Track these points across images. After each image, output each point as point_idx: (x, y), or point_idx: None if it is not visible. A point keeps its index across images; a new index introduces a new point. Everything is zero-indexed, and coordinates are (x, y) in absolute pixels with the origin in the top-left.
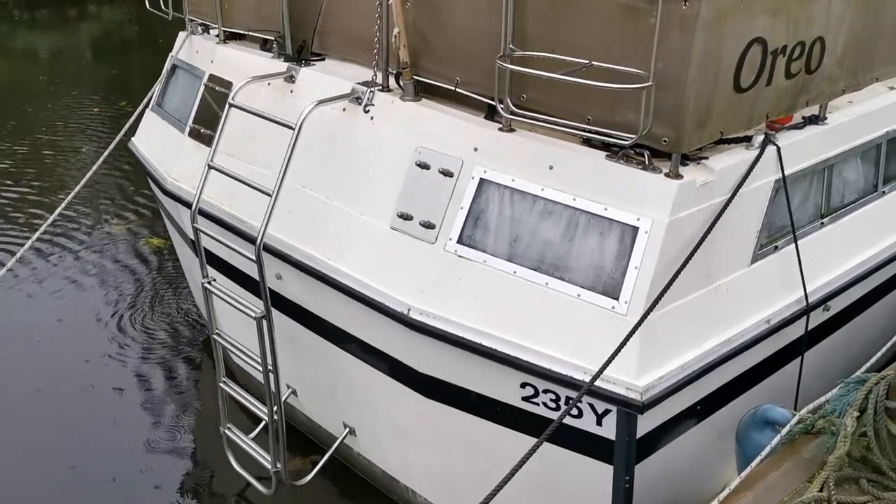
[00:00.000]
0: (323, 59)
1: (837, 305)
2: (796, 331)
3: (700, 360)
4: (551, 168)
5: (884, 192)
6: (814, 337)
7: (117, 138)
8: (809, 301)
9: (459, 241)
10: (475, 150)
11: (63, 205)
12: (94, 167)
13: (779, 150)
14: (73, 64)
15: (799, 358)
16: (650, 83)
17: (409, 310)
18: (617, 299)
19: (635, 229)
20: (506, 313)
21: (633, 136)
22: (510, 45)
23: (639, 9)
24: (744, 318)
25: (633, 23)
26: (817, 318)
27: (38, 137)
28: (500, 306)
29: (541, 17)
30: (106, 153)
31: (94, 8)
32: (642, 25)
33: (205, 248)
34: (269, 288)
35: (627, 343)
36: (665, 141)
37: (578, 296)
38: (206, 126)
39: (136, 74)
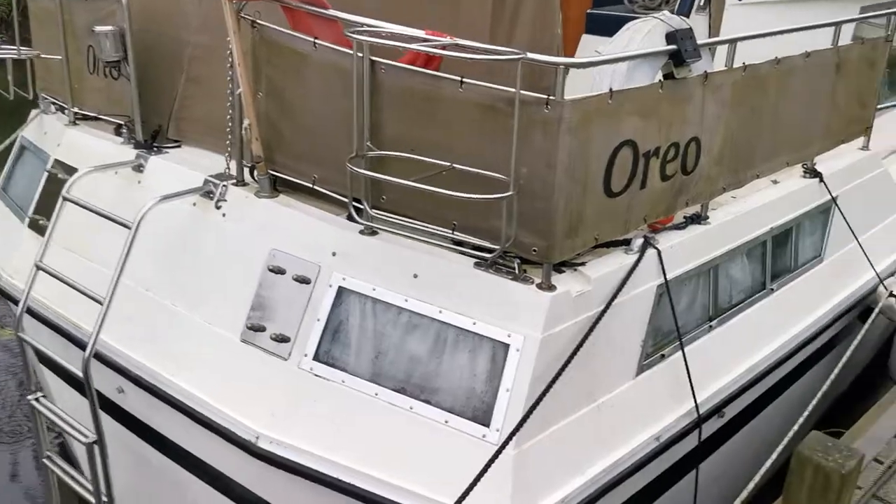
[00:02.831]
0: (179, 146)
1: (732, 411)
2: (689, 443)
3: (584, 489)
4: (416, 276)
5: (772, 289)
6: (708, 446)
7: None
8: (701, 411)
9: (316, 358)
10: (334, 254)
11: None
12: None
13: (659, 253)
14: None
15: (694, 471)
16: (511, 193)
17: (257, 438)
18: (488, 426)
19: (506, 346)
20: (366, 442)
21: (498, 246)
22: (367, 143)
23: (498, 110)
24: (631, 436)
25: (495, 124)
26: (711, 426)
27: None
28: (360, 433)
29: (399, 114)
30: None
31: None
32: (504, 128)
33: (38, 351)
34: (112, 401)
35: (499, 475)
36: (535, 250)
37: (446, 422)
38: (47, 217)
39: None
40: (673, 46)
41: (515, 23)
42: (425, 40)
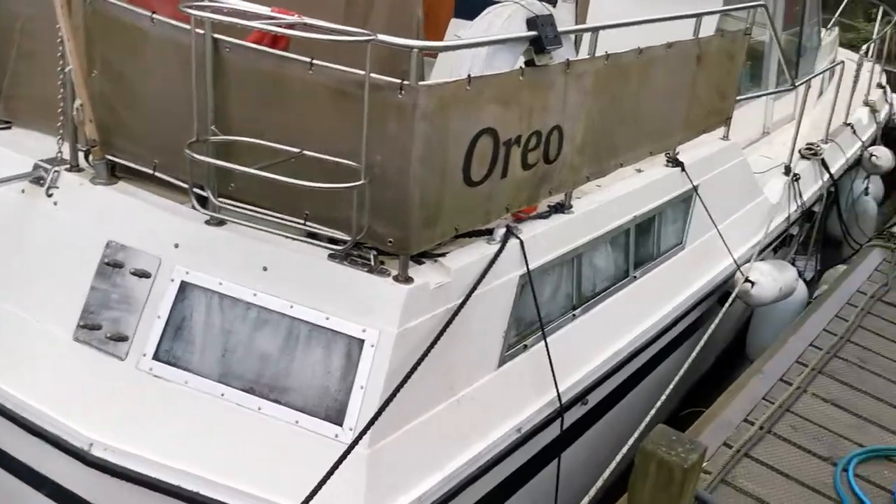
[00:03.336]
0: (9, 128)
1: (595, 398)
2: (552, 433)
3: (443, 484)
4: (265, 269)
5: (635, 276)
6: (571, 435)
7: None
8: (563, 400)
9: (156, 358)
10: (176, 246)
11: None
12: None
13: (522, 243)
14: None
15: (556, 460)
16: (362, 181)
17: (90, 445)
18: (341, 425)
19: (361, 342)
20: (211, 446)
21: (350, 237)
22: (212, 128)
23: (350, 94)
24: (492, 428)
25: (347, 110)
26: (574, 414)
27: None
28: (205, 437)
29: (246, 97)
30: None
31: None
32: (357, 113)
33: None
34: None
35: (352, 475)
36: (391, 242)
37: (297, 422)
38: None
39: None
40: (533, 33)
41: (372, 3)
42: (270, 18)
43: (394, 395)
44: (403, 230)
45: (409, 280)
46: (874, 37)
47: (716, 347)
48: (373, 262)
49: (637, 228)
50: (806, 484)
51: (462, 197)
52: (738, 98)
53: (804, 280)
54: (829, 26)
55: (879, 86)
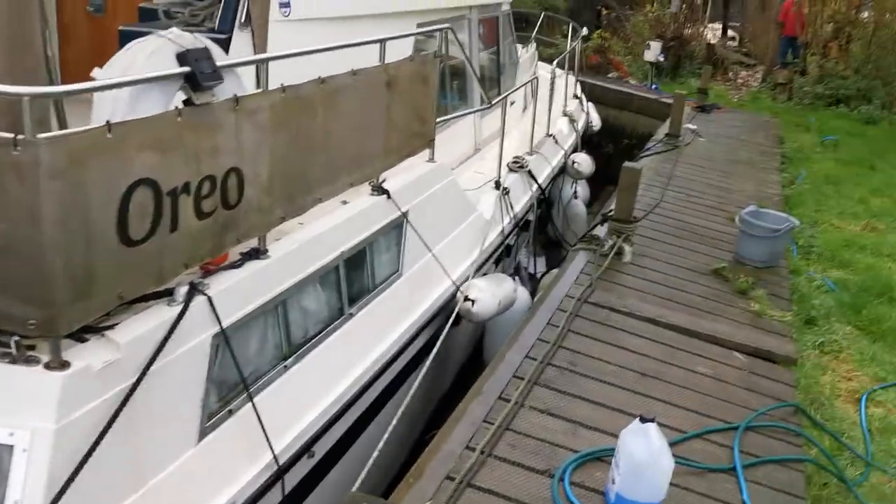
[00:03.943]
0: None
1: (322, 448)
2: (273, 498)
3: None
4: None
5: (351, 313)
6: (300, 493)
7: None
8: (282, 461)
9: None
10: None
11: None
12: None
13: (210, 299)
14: None
15: None
16: None
17: None
18: None
19: (10, 448)
20: None
21: None
22: None
23: None
24: None
25: None
26: (300, 471)
27: None
28: None
29: None
30: None
31: None
32: None
33: None
34: None
35: None
36: (32, 324)
37: None
38: None
39: None
40: (186, 69)
41: None
42: None
43: (56, 500)
44: (47, 308)
45: (64, 365)
46: (566, 51)
47: (454, 366)
48: (15, 351)
49: (347, 263)
50: (526, 503)
51: (122, 259)
52: (440, 119)
53: (532, 285)
54: (526, 44)
55: (575, 96)
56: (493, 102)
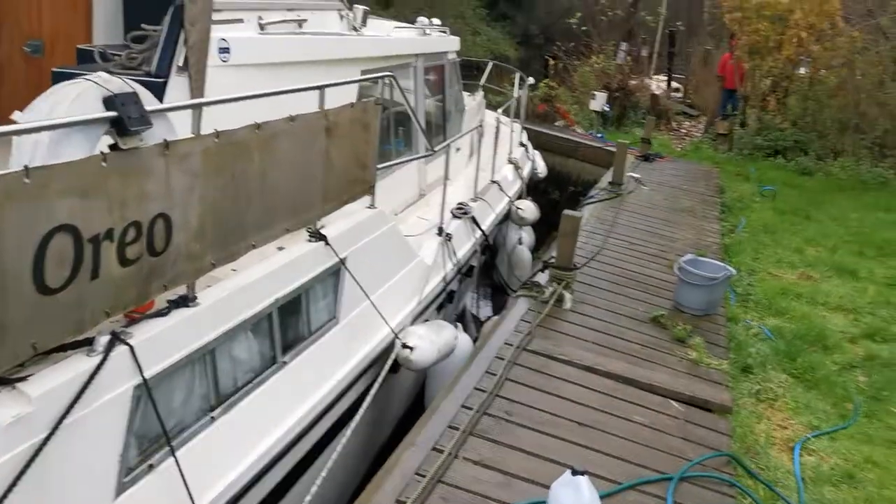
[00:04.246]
0: None
1: (253, 500)
2: None
3: None
4: None
5: (284, 361)
6: None
7: None
8: None
9: None
10: None
11: None
12: None
13: (132, 348)
14: None
15: None
16: None
17: None
18: None
19: None
20: None
21: None
22: None
23: None
24: None
25: None
26: None
27: None
28: None
29: None
30: None
31: None
32: None
33: None
34: None
35: None
36: None
37: None
38: None
39: None
40: (112, 113)
41: None
42: None
43: None
44: None
45: None
46: (511, 99)
47: (394, 414)
48: None
49: (281, 310)
50: None
51: (38, 308)
52: (382, 165)
53: (477, 330)
54: (473, 92)
55: (521, 144)
56: (435, 149)
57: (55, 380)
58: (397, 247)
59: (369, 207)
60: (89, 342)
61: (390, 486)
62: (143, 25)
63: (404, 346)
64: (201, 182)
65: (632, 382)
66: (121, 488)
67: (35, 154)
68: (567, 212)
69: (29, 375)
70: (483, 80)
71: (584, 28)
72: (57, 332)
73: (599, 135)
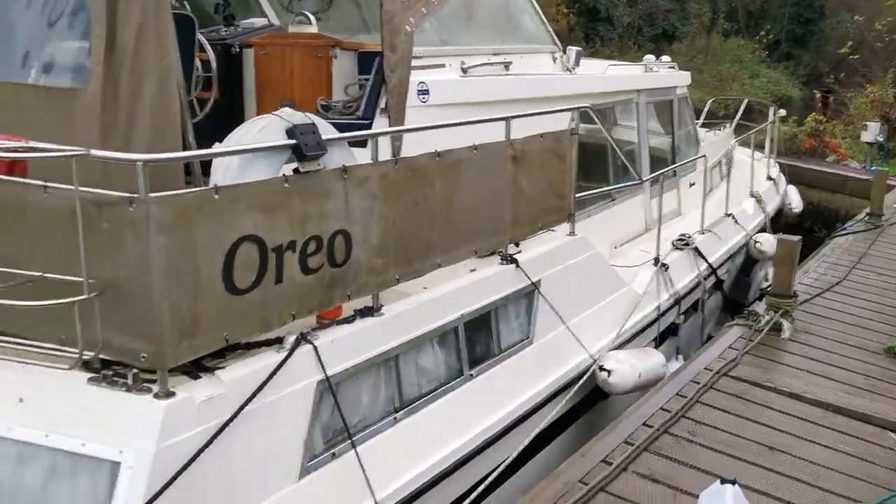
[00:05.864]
0: None
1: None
2: None
3: None
4: (21, 401)
5: (471, 375)
6: None
7: None
8: None
9: None
10: None
11: None
12: None
13: (316, 348)
14: None
15: None
16: (86, 296)
17: None
18: None
19: (116, 465)
20: None
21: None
22: None
23: (85, 212)
24: None
25: (87, 230)
26: None
27: None
28: None
29: None
30: None
31: None
32: (95, 231)
33: None
34: None
35: None
36: (144, 357)
37: None
38: None
39: None
40: (291, 141)
41: (134, 116)
42: None
43: None
44: (155, 344)
45: (169, 395)
46: (752, 132)
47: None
48: (131, 381)
49: (468, 326)
50: None
51: (227, 306)
52: (582, 194)
53: None
54: (717, 128)
55: (769, 178)
56: (643, 179)
57: (246, 369)
58: (601, 274)
59: (569, 234)
60: (280, 341)
61: (551, 491)
62: (361, 77)
63: (601, 368)
64: (381, 204)
65: (842, 411)
66: (305, 471)
67: (227, 175)
68: (783, 236)
69: (226, 365)
70: (737, 118)
71: (856, 56)
72: (245, 328)
73: (873, 168)
